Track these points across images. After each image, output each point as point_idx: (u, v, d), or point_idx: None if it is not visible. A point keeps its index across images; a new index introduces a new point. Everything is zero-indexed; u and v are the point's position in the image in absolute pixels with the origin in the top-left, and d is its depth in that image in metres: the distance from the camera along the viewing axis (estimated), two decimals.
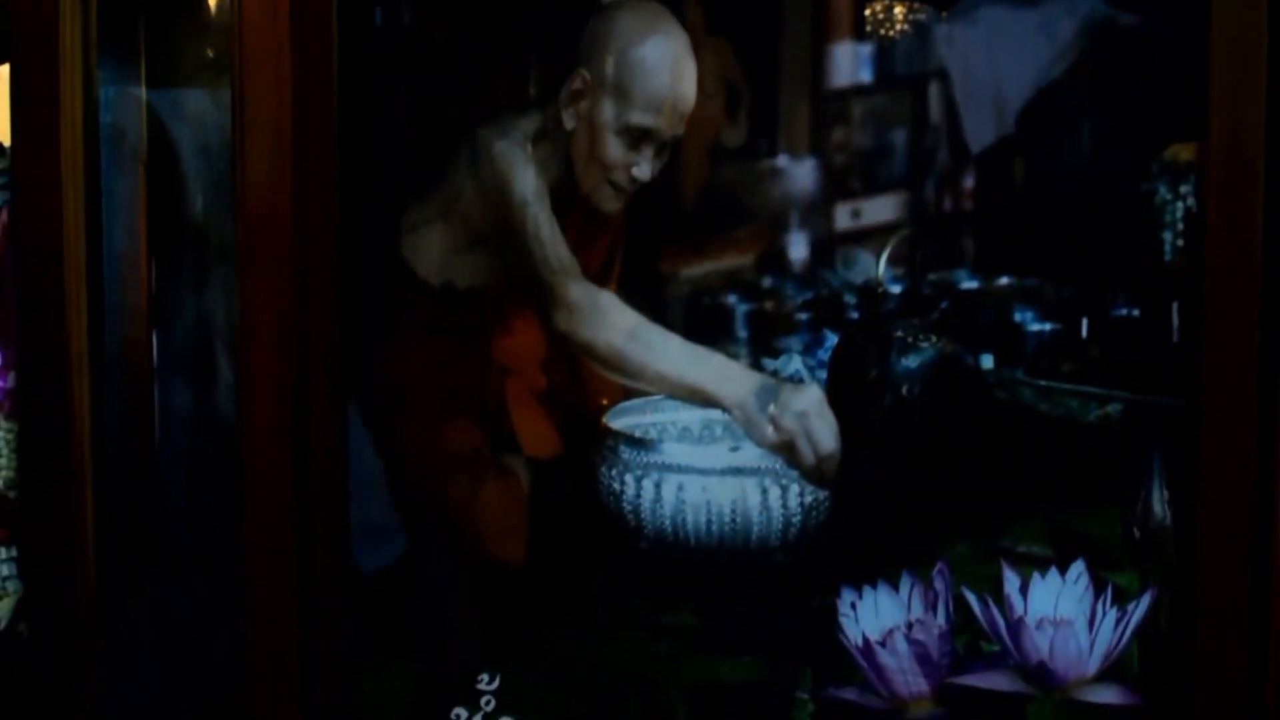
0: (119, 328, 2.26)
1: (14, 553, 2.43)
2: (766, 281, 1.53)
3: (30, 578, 2.30)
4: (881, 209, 1.50)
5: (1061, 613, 1.32)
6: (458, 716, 1.68)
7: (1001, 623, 1.34)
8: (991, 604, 1.35)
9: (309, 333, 1.82)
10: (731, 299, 1.55)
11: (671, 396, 1.54)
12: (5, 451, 2.46)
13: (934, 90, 1.68)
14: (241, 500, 1.93)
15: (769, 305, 1.53)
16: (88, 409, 2.21)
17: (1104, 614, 1.30)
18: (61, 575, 2.20)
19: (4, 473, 2.46)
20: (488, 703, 1.65)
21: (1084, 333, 1.35)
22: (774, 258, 1.52)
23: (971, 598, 1.36)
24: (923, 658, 1.38)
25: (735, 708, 1.49)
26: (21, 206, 2.24)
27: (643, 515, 1.54)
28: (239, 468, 1.94)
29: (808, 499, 1.47)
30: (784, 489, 1.48)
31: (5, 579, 2.44)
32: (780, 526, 1.47)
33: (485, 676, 1.66)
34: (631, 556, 1.55)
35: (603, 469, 1.57)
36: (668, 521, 1.52)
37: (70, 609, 2.19)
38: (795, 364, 1.50)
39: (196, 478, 2.31)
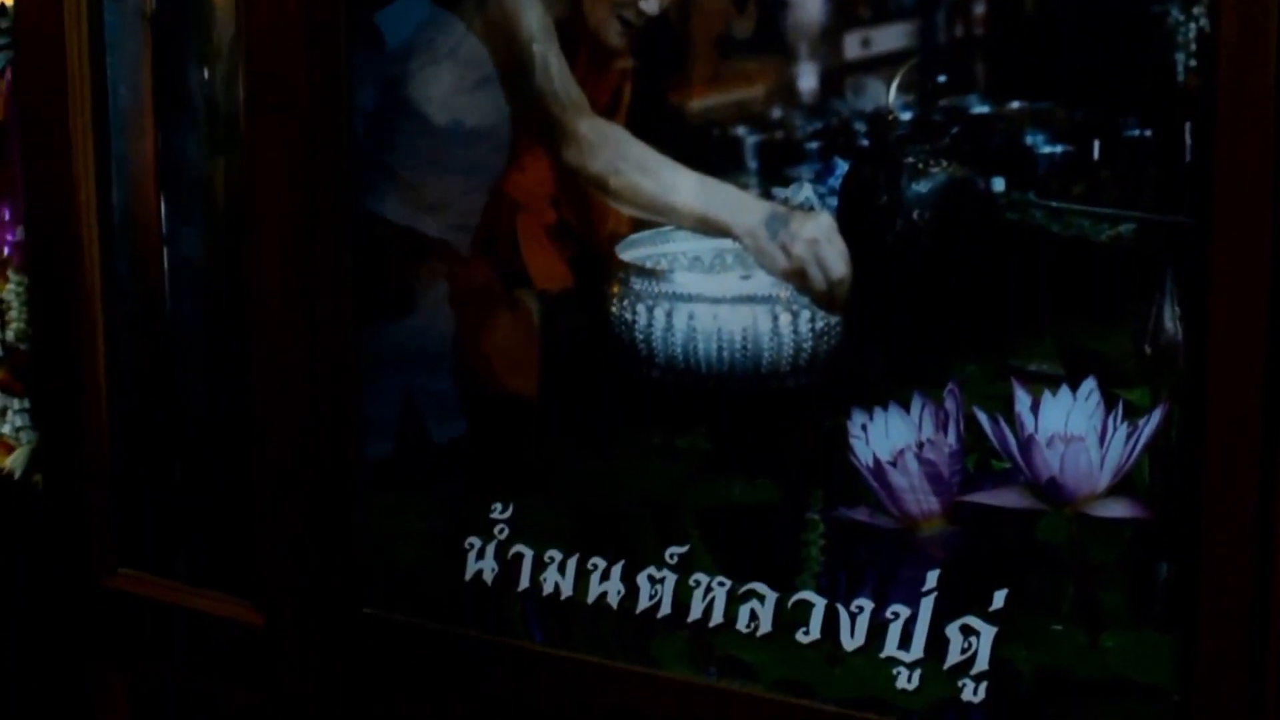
0: (126, 186, 2.26)
1: (27, 404, 2.45)
2: (776, 112, 1.51)
3: (43, 429, 2.32)
4: (891, 37, 1.48)
5: (1072, 429, 1.33)
6: (470, 545, 1.70)
7: (1012, 440, 1.36)
8: (1002, 422, 1.36)
9: (318, 183, 1.82)
10: (741, 130, 1.54)
11: (682, 227, 1.54)
12: (16, 304, 2.46)
13: None
14: (253, 360, 1.95)
15: (779, 135, 1.52)
16: (98, 260, 2.22)
17: (1114, 429, 1.31)
18: (74, 426, 2.22)
19: (15, 325, 2.47)
20: (500, 531, 1.68)
21: (1095, 155, 1.34)
22: (784, 88, 1.50)
23: (982, 417, 1.37)
24: (933, 476, 1.39)
25: (746, 529, 1.51)
26: (26, 62, 2.23)
27: (654, 344, 1.54)
28: (249, 330, 1.95)
29: (818, 325, 1.47)
30: (795, 315, 1.48)
31: (19, 429, 2.46)
32: (791, 352, 1.48)
33: (498, 506, 1.68)
34: (643, 385, 1.56)
35: (614, 300, 1.57)
36: (679, 350, 1.53)
37: (83, 459, 2.22)
38: (805, 192, 1.50)
39: (207, 333, 2.32)
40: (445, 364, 1.72)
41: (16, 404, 2.47)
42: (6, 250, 2.48)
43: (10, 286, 2.47)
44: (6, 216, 2.49)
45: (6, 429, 2.47)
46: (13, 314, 2.47)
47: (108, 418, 2.21)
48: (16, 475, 2.42)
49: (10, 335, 2.47)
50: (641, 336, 1.55)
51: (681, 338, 1.52)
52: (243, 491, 2.00)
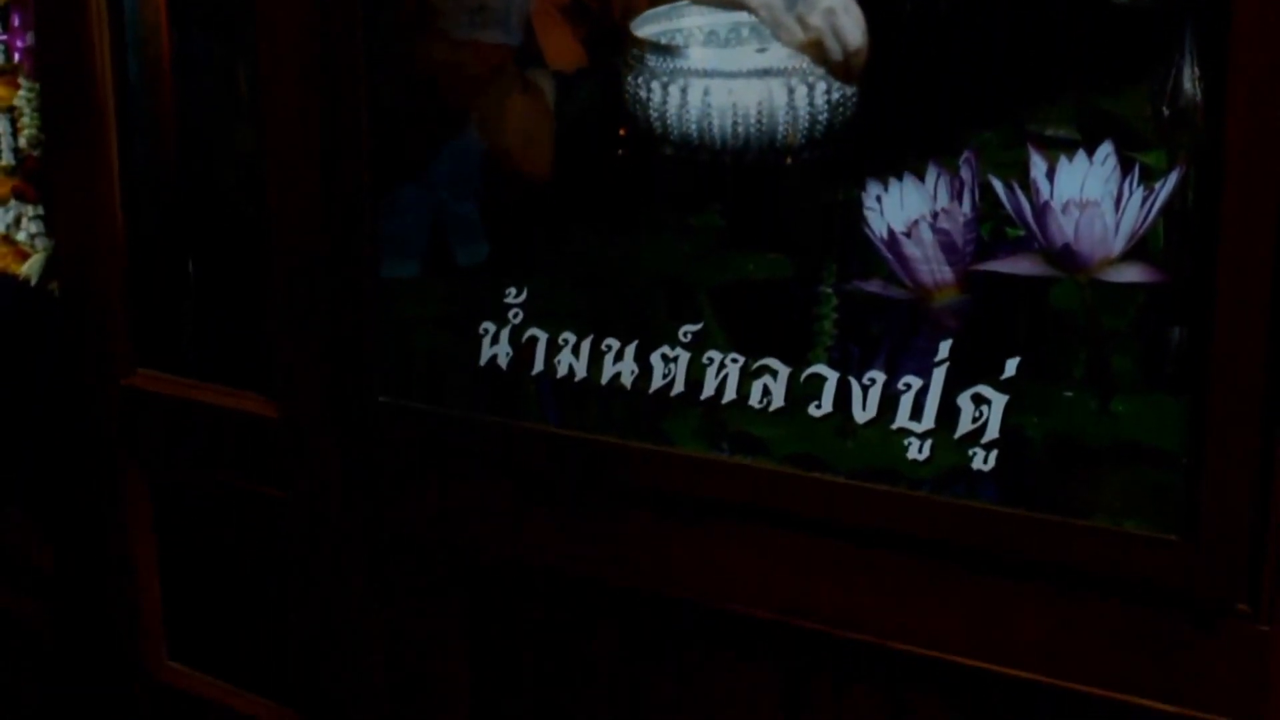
0: None
1: (41, 210, 2.45)
2: None
3: (59, 233, 2.32)
4: None
5: (1088, 194, 1.32)
6: (485, 331, 1.71)
7: (1027, 207, 1.35)
8: (1018, 189, 1.35)
9: None
10: None
11: (697, 1, 1.52)
12: (28, 111, 2.45)
13: None
14: (266, 152, 1.94)
15: None
16: (109, 62, 2.21)
17: (1130, 193, 1.30)
18: (89, 229, 2.22)
19: (28, 132, 2.46)
20: (515, 315, 1.68)
21: None
22: None
23: (998, 184, 1.36)
24: (947, 246, 1.39)
25: (760, 305, 1.51)
26: None
27: (669, 121, 1.53)
28: (262, 121, 1.94)
29: (834, 96, 1.46)
30: (810, 88, 1.46)
31: (34, 236, 2.46)
32: (806, 125, 1.47)
33: (512, 290, 1.68)
34: (657, 163, 1.55)
35: (628, 78, 1.56)
36: (694, 126, 1.52)
37: (99, 262, 2.22)
38: None
39: (218, 132, 2.31)
40: (469, 183, 1.72)
41: (31, 211, 2.47)
42: (17, 56, 2.47)
43: (21, 93, 2.45)
44: (16, 23, 2.47)
45: (22, 236, 2.47)
46: (25, 120, 2.46)
47: (122, 220, 2.21)
48: (33, 282, 2.43)
49: (23, 142, 2.47)
50: (656, 114, 1.54)
51: (696, 114, 1.51)
52: (257, 286, 2.00)
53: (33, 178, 2.44)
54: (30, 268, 2.42)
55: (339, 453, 1.91)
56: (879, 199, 1.42)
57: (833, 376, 1.47)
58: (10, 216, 2.48)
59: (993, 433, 1.38)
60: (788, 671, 1.60)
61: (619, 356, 1.60)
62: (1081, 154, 1.31)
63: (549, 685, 1.81)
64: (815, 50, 1.46)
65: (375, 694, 1.98)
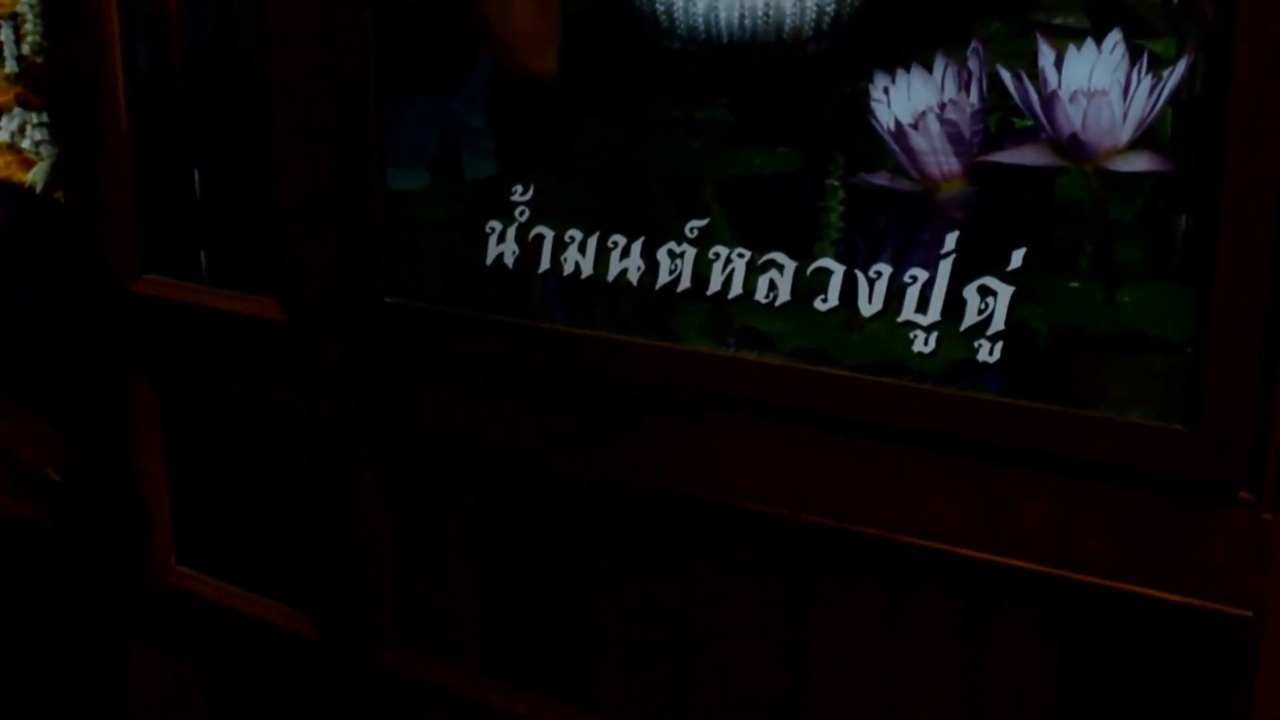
0: None
1: (45, 118, 2.44)
2: None
3: (64, 139, 2.32)
4: None
5: (1096, 83, 1.31)
6: (491, 229, 1.71)
7: (1035, 97, 1.34)
8: (1025, 79, 1.35)
9: None
10: None
11: None
12: (31, 17, 2.44)
13: None
14: (270, 55, 1.93)
15: None
16: None
17: (1139, 82, 1.30)
18: (94, 135, 2.22)
19: (31, 38, 2.45)
20: (521, 213, 1.68)
21: None
22: None
23: (1005, 74, 1.35)
24: (954, 136, 1.39)
25: (766, 199, 1.51)
26: None
27: (675, 15, 1.52)
28: (267, 26, 1.93)
29: None
30: None
31: (39, 144, 2.46)
32: (814, 16, 1.46)
33: (518, 188, 1.68)
34: (664, 57, 1.54)
35: None
36: (700, 20, 1.51)
37: (105, 168, 2.22)
38: None
39: (224, 35, 2.29)
40: (478, 88, 1.71)
41: (35, 118, 2.46)
42: None
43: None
44: None
45: (26, 144, 2.47)
46: (28, 26, 2.45)
47: (127, 125, 2.20)
48: (38, 190, 2.43)
49: (26, 49, 2.46)
50: (663, 7, 1.53)
51: (703, 6, 1.50)
52: (265, 190, 2.00)
53: (37, 85, 2.44)
54: (35, 175, 2.42)
55: (347, 355, 1.92)
56: (886, 91, 1.42)
57: (839, 270, 1.47)
58: (15, 124, 2.48)
59: (998, 324, 1.39)
60: (794, 566, 1.62)
61: (625, 253, 1.61)
62: (1090, 42, 1.31)
63: (557, 584, 1.83)
64: None
65: (385, 595, 2.00)
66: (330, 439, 1.98)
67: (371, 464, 1.95)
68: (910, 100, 1.40)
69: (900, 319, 1.44)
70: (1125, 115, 1.30)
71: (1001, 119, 1.37)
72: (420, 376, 1.84)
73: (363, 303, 1.85)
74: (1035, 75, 1.33)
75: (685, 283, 1.57)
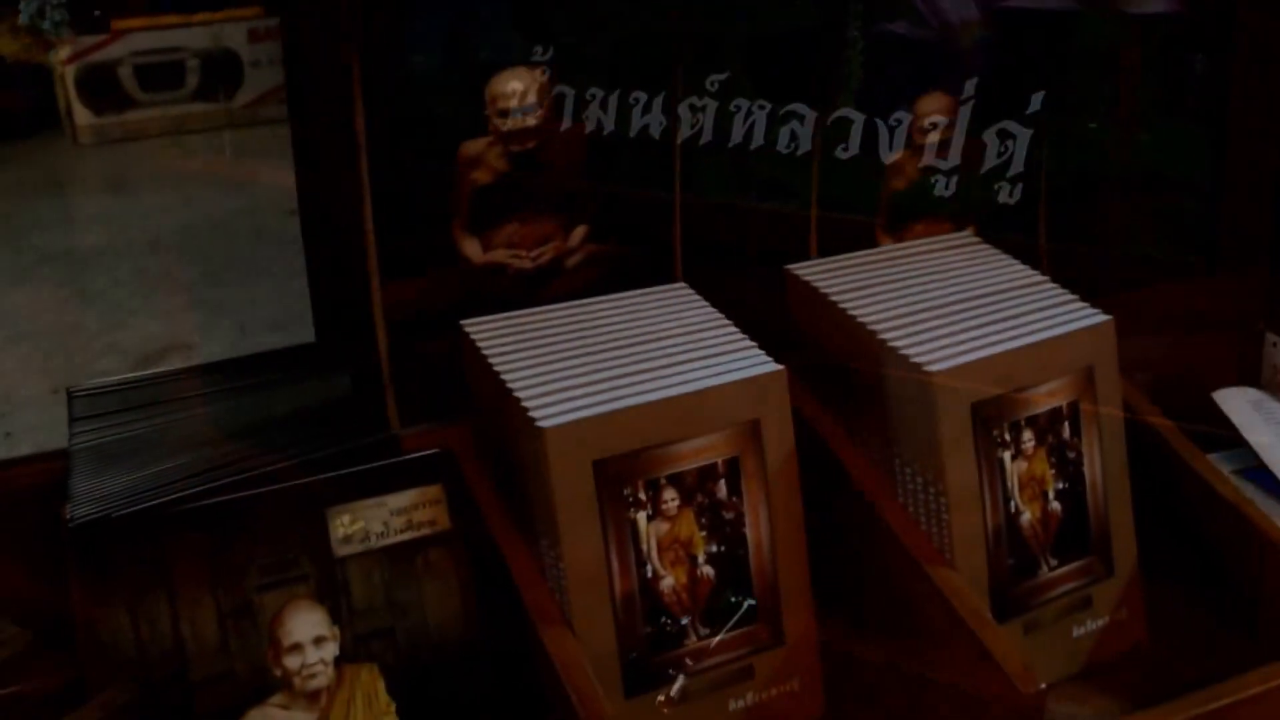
0: None
1: None
2: None
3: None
4: None
5: None
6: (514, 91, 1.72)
7: None
8: None
9: None
10: None
11: None
12: None
13: None
14: None
15: None
16: None
17: None
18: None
19: None
20: (544, 74, 1.69)
21: None
22: None
23: None
24: None
25: (787, 52, 1.52)
26: None
27: None
28: None
29: None
30: None
31: (58, 25, 2.47)
32: None
33: (539, 49, 1.68)
34: None
35: None
36: None
37: None
38: None
39: None
40: None
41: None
42: None
43: None
44: None
45: (46, 25, 2.47)
46: None
47: None
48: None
49: None
50: None
51: None
52: None
53: None
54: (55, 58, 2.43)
55: None
56: None
57: (859, 119, 1.49)
58: (34, 6, 2.48)
59: (1018, 167, 1.41)
60: None
61: (647, 109, 1.62)
62: None
63: None
64: None
65: None
66: None
67: None
68: None
69: (921, 165, 1.46)
70: None
71: None
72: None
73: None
74: None
75: (707, 136, 1.58)
